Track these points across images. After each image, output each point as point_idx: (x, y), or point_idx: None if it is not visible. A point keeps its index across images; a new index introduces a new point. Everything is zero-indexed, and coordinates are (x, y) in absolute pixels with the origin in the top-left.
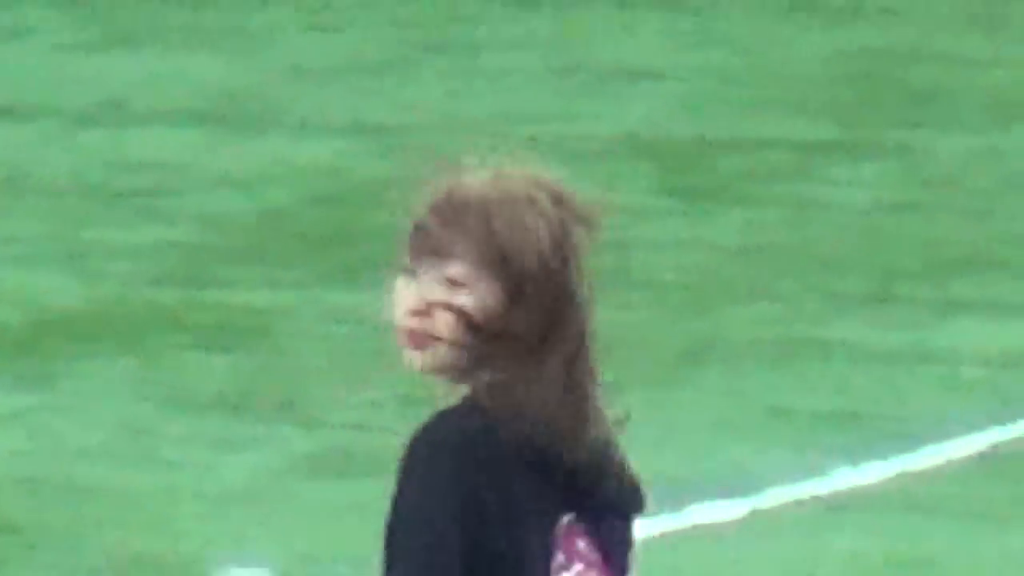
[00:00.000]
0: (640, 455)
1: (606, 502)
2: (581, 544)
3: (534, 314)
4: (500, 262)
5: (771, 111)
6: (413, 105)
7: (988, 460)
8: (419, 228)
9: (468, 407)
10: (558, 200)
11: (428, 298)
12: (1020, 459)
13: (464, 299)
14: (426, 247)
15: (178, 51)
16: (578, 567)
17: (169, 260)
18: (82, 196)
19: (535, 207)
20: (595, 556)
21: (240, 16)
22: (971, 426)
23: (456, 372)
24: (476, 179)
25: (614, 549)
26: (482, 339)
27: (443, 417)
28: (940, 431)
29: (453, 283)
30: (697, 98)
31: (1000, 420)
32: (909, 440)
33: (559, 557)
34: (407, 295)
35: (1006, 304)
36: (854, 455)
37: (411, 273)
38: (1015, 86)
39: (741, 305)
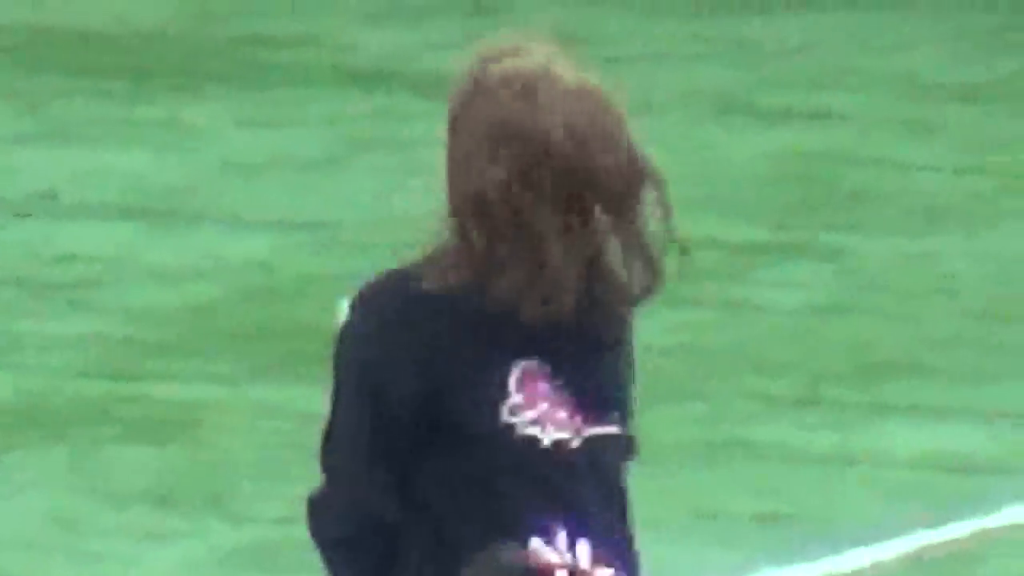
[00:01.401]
0: None
1: (574, 350)
2: (543, 386)
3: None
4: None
5: (703, 212)
6: (345, 201)
7: (915, 563)
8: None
9: (420, 265)
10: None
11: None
12: (947, 562)
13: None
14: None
15: (110, 145)
16: (542, 407)
17: (98, 353)
18: (12, 288)
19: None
20: (563, 396)
21: (172, 111)
22: (898, 529)
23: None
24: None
25: (589, 388)
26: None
27: (388, 276)
28: (867, 533)
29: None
30: None
31: (927, 523)
32: (836, 542)
33: (515, 398)
34: None
35: (934, 408)
36: (781, 557)
37: None
38: (947, 191)
39: (669, 405)
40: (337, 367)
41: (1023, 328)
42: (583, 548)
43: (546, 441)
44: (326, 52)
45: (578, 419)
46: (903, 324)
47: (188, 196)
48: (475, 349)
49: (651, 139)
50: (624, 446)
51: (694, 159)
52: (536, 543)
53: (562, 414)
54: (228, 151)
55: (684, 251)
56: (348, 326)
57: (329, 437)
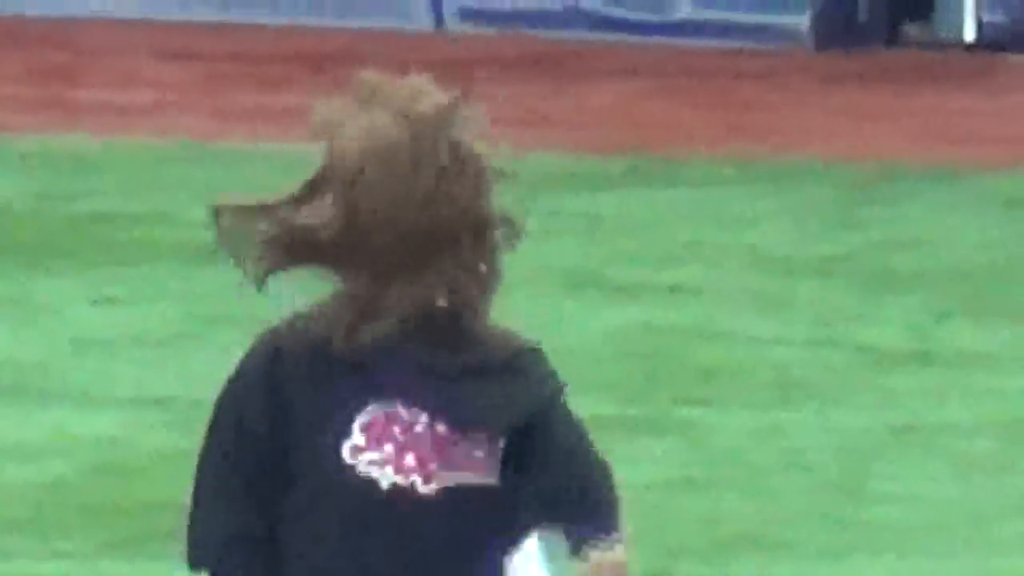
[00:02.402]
0: None
1: (430, 393)
2: (393, 429)
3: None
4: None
5: None
6: (197, 377)
7: None
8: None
9: (294, 319)
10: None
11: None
12: None
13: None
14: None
15: None
16: (388, 447)
17: None
18: None
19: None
20: (414, 440)
21: (24, 287)
22: None
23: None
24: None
25: (445, 437)
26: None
27: (278, 323)
28: None
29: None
30: None
31: None
32: None
33: (358, 439)
34: None
35: None
36: None
37: None
38: (798, 364)
39: None
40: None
41: (874, 503)
42: None
43: (384, 484)
44: (178, 229)
45: (431, 466)
46: (755, 498)
47: (39, 372)
48: (327, 390)
49: (503, 315)
50: (493, 498)
51: (545, 335)
52: None
53: (410, 460)
54: (80, 327)
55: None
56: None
57: (197, 467)
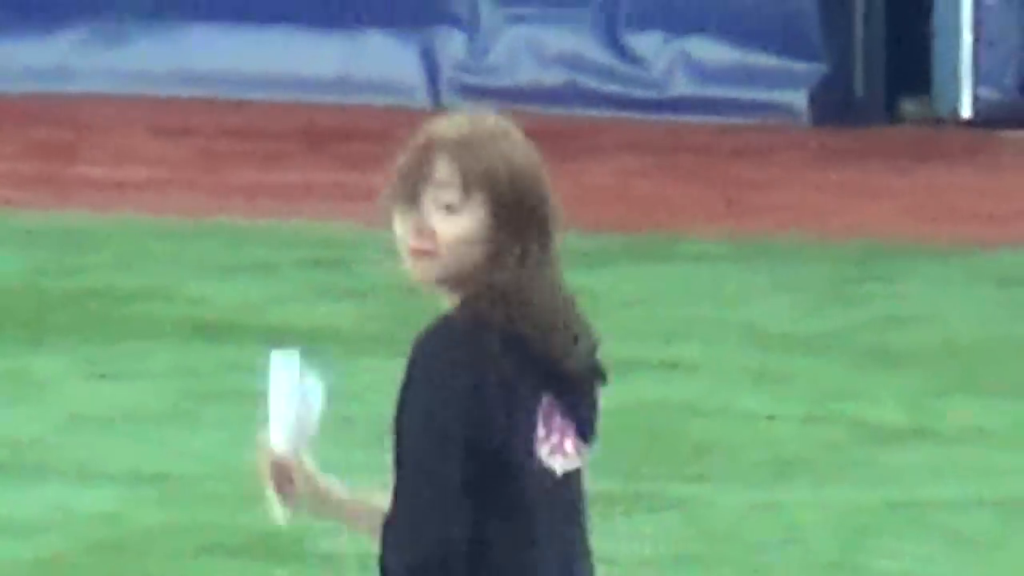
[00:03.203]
0: None
1: (575, 383)
2: (558, 418)
3: (519, 229)
4: (485, 187)
5: None
6: (193, 453)
7: None
8: (410, 167)
9: (465, 311)
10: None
11: (428, 221)
12: None
13: (457, 219)
14: (420, 179)
15: None
16: (555, 437)
17: None
18: None
19: (508, 139)
20: (568, 427)
21: (19, 363)
22: None
23: (452, 281)
24: (452, 121)
25: (580, 420)
26: (475, 251)
27: (446, 321)
28: None
29: (448, 207)
30: None
31: None
32: None
33: (540, 430)
34: (409, 222)
35: None
36: None
37: (408, 203)
38: (794, 441)
39: None
40: (407, 413)
41: None
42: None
43: (559, 471)
44: (174, 305)
45: (581, 448)
46: (753, 575)
47: (35, 448)
48: (511, 385)
49: None
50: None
51: None
52: None
53: (569, 446)
54: (76, 403)
55: None
56: (412, 373)
57: (407, 472)
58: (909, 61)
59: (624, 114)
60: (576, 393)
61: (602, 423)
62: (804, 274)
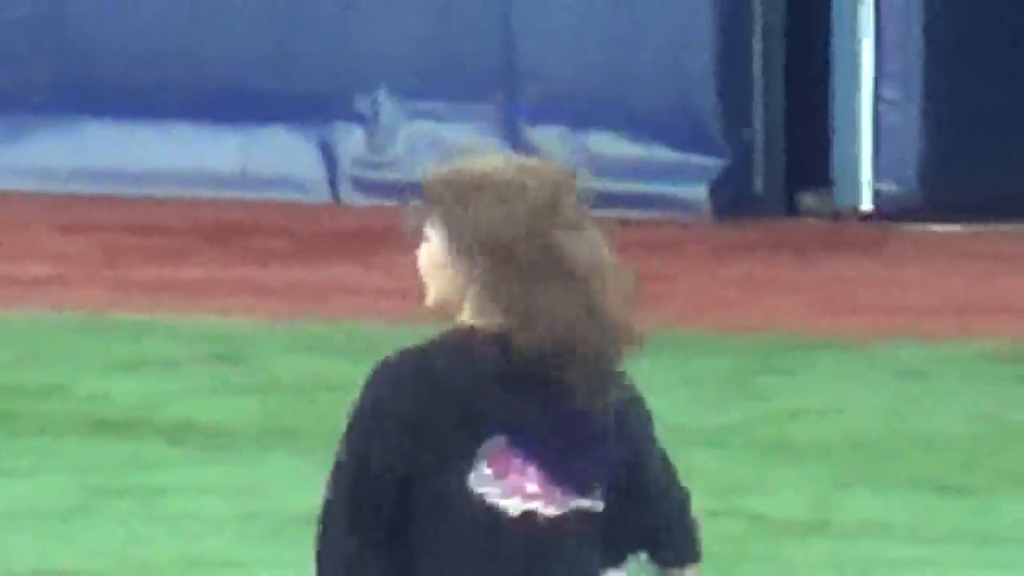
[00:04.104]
0: None
1: (557, 426)
2: (516, 461)
3: (495, 270)
4: (467, 236)
5: None
6: (94, 549)
7: None
8: (425, 201)
9: (423, 346)
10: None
11: (421, 256)
12: None
13: (426, 246)
14: (428, 215)
15: None
16: (512, 479)
17: None
18: None
19: (521, 191)
20: (534, 470)
21: None
22: None
23: (443, 309)
24: (479, 162)
25: (563, 466)
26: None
27: (395, 354)
28: None
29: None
30: None
31: None
32: None
33: (484, 470)
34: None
35: None
36: None
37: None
38: None
39: None
40: (343, 438)
41: None
42: None
43: (512, 511)
44: (75, 401)
45: (556, 491)
46: None
47: None
48: (453, 423)
49: None
50: (597, 521)
51: None
52: None
53: (533, 486)
54: None
55: None
56: (357, 400)
57: (325, 503)
58: (809, 155)
59: None
60: (561, 438)
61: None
62: (706, 367)
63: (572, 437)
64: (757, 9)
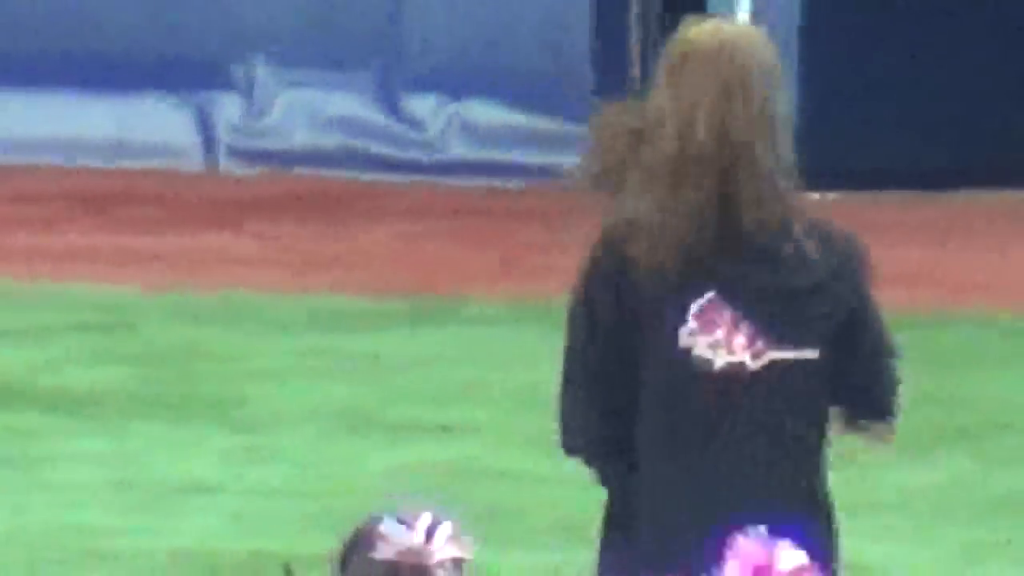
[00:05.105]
0: None
1: (761, 286)
2: (724, 316)
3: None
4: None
5: (329, 526)
6: None
7: None
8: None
9: (618, 218)
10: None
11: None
12: None
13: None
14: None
15: None
16: (718, 333)
17: None
18: None
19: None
20: (742, 325)
21: None
22: None
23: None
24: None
25: (765, 322)
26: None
27: (603, 225)
28: None
29: None
30: (252, 513)
31: None
32: None
33: (692, 324)
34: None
35: None
36: None
37: None
38: (576, 504)
39: None
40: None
41: None
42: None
43: (719, 363)
44: None
45: (759, 344)
46: None
47: None
48: (663, 284)
49: (279, 456)
50: (806, 370)
51: (323, 474)
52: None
53: (740, 339)
54: None
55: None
56: (580, 267)
57: (565, 361)
58: None
59: (402, 177)
60: (766, 297)
61: (383, 487)
62: None
63: (781, 292)
64: None
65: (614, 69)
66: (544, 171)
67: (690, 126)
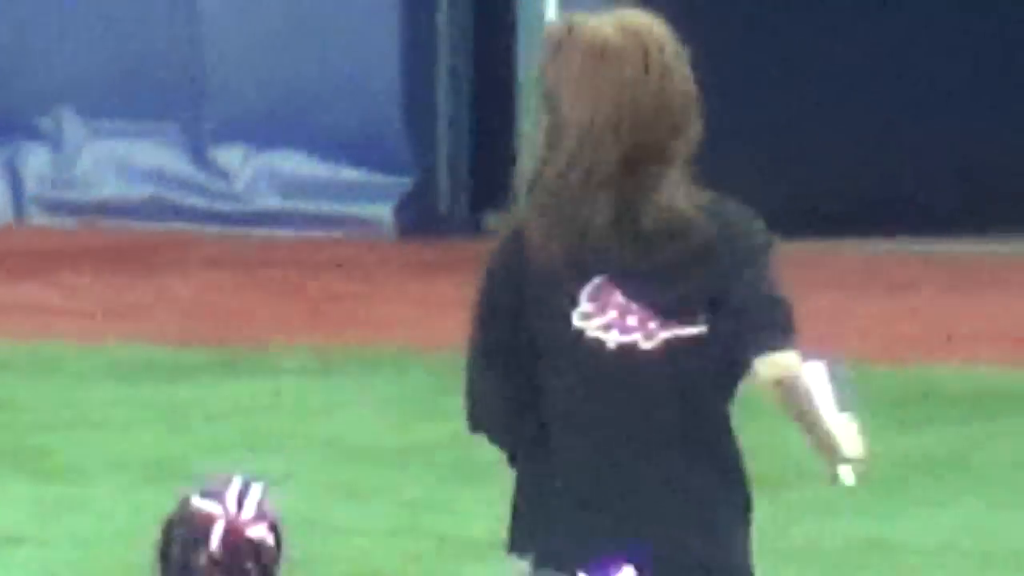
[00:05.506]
0: None
1: (649, 267)
2: (615, 297)
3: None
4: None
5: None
6: None
7: None
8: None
9: (521, 207)
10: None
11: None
12: None
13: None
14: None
15: None
16: (611, 313)
17: None
18: None
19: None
20: (633, 305)
21: None
22: None
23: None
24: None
25: (655, 301)
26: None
27: (511, 216)
28: None
29: None
30: (62, 564)
31: None
32: None
33: (585, 307)
34: None
35: None
36: None
37: None
38: (379, 554)
39: None
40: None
41: None
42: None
43: (611, 343)
44: None
45: (651, 324)
46: None
47: None
48: (557, 269)
49: (88, 506)
50: (713, 348)
51: (132, 524)
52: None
53: (632, 320)
54: None
55: None
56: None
57: (469, 346)
58: (494, 175)
59: (210, 228)
60: (654, 277)
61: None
62: (389, 387)
63: (671, 272)
64: (443, 30)
65: (421, 120)
66: (351, 221)
67: (592, 120)
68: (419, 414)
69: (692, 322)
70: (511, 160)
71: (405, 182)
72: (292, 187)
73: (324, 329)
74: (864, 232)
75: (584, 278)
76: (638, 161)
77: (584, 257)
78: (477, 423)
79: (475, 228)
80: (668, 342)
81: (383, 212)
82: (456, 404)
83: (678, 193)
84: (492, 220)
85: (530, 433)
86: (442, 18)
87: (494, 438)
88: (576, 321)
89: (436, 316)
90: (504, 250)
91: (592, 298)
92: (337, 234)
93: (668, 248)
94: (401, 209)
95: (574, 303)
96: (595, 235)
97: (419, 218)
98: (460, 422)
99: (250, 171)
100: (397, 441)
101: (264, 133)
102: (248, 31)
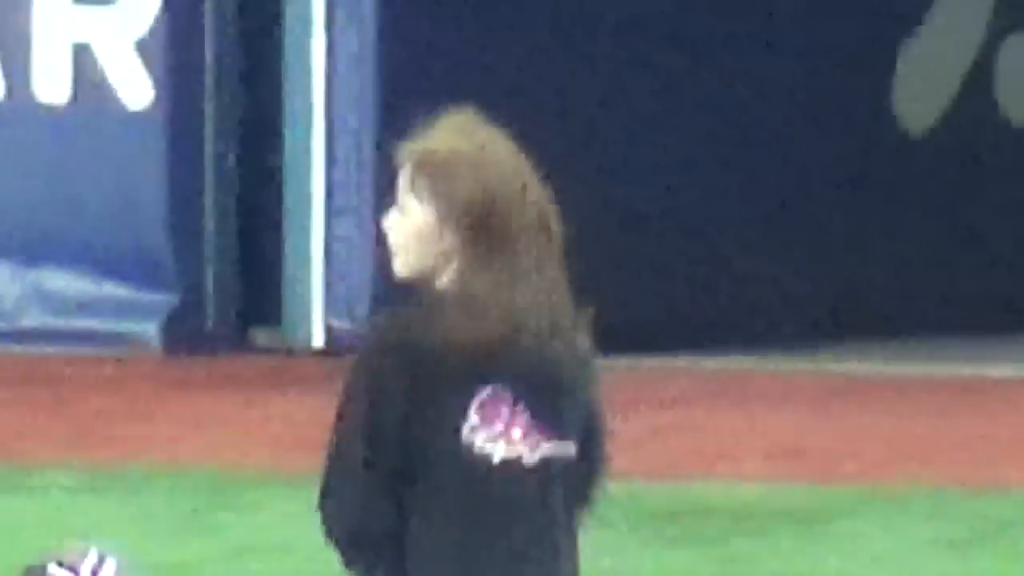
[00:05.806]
0: None
1: (538, 377)
2: (503, 409)
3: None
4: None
5: None
6: None
7: None
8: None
9: (407, 309)
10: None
11: (400, 226)
12: None
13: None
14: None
15: None
16: (498, 426)
17: None
18: None
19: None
20: (520, 418)
21: None
22: None
23: (422, 276)
24: (443, 141)
25: (544, 414)
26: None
27: (382, 317)
28: None
29: (403, 210)
30: None
31: None
32: None
33: (473, 419)
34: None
35: None
36: None
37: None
38: None
39: None
40: (346, 384)
41: None
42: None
43: (497, 457)
44: None
45: (538, 438)
46: None
47: None
48: (443, 380)
49: None
50: (579, 469)
51: None
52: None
53: (517, 432)
54: None
55: None
56: (361, 349)
57: (334, 444)
58: (261, 292)
59: None
60: (542, 388)
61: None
62: (156, 504)
63: (552, 387)
64: (210, 146)
65: (187, 236)
66: (117, 338)
67: (469, 228)
68: (189, 530)
69: (566, 439)
70: (278, 275)
71: (171, 299)
72: (58, 304)
73: (90, 447)
74: (634, 348)
75: (473, 387)
76: (519, 268)
77: (474, 365)
78: (331, 534)
79: (243, 344)
80: (546, 458)
81: (149, 329)
82: (222, 521)
83: (561, 305)
84: (260, 336)
85: (392, 557)
86: (209, 127)
87: (353, 556)
88: (466, 434)
89: (202, 433)
90: (394, 349)
91: (479, 409)
92: (103, 351)
93: (550, 363)
94: (167, 326)
95: (465, 414)
96: (486, 344)
97: (185, 334)
98: (225, 539)
99: (17, 288)
100: (165, 558)
101: (31, 249)
102: (8, 146)
